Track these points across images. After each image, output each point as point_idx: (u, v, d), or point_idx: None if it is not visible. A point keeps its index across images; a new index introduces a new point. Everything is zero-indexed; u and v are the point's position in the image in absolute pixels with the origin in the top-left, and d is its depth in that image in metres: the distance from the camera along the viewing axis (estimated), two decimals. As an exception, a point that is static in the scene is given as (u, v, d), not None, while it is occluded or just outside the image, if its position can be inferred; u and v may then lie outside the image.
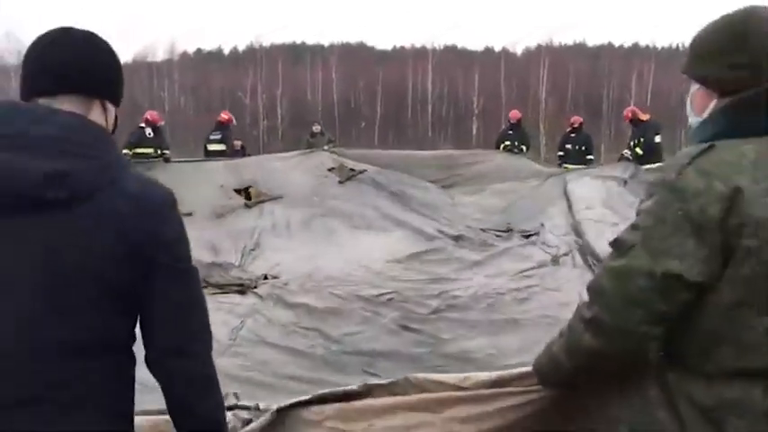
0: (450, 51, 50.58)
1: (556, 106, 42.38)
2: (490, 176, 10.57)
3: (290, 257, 6.79)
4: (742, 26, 1.24)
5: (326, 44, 50.86)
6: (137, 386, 1.31)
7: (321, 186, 9.05)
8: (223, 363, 3.59)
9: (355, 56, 48.94)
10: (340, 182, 9.23)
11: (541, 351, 1.55)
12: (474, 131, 44.24)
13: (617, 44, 52.26)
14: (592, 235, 6.61)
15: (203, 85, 46.07)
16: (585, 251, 6.44)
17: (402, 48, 51.64)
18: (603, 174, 8.99)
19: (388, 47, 56.13)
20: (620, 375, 1.41)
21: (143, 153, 9.60)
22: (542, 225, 8.02)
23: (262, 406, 1.79)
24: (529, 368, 1.65)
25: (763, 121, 1.20)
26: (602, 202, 7.83)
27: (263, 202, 8.60)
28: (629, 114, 11.39)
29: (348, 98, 45.66)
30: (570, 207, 8.12)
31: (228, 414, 1.60)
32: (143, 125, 10.43)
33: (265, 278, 5.87)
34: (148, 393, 1.42)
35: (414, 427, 1.73)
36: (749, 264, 1.16)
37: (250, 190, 9.28)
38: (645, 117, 11.14)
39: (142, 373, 1.30)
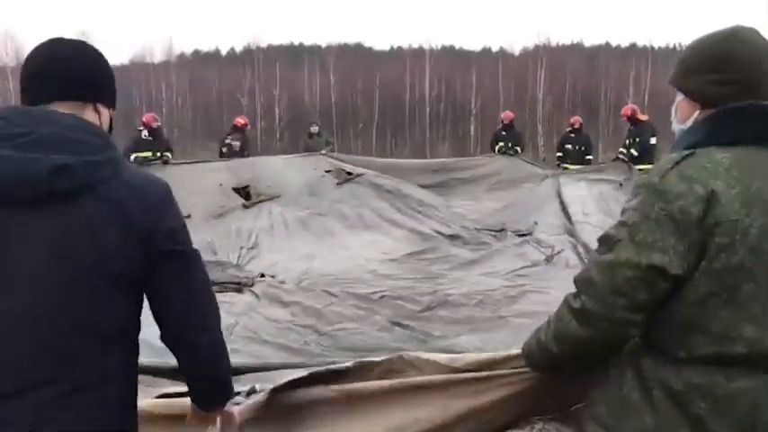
0: (448, 52, 50.71)
1: (553, 106, 42.51)
2: (485, 181, 10.65)
3: (287, 257, 6.88)
4: (724, 46, 1.35)
5: (324, 45, 51.06)
6: None
7: (318, 187, 9.14)
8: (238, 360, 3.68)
9: (353, 56, 49.03)
10: (338, 183, 9.31)
11: (529, 336, 1.66)
12: (472, 132, 44.32)
13: (614, 44, 52.53)
14: (586, 235, 6.69)
15: (201, 86, 46.11)
16: (579, 250, 6.53)
17: (399, 48, 51.83)
18: (598, 177, 9.05)
19: (386, 47, 56.37)
20: (601, 360, 1.50)
21: (143, 157, 9.67)
22: (536, 224, 8.11)
23: (258, 387, 1.86)
24: (518, 351, 1.74)
25: (737, 132, 1.32)
26: (597, 204, 7.90)
27: (261, 201, 8.68)
28: (628, 112, 11.33)
29: (346, 99, 45.72)
30: (564, 208, 8.21)
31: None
32: (140, 128, 10.55)
33: (262, 277, 5.94)
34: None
35: (410, 405, 1.81)
36: (720, 259, 1.27)
37: (248, 189, 9.36)
38: (643, 118, 11.13)
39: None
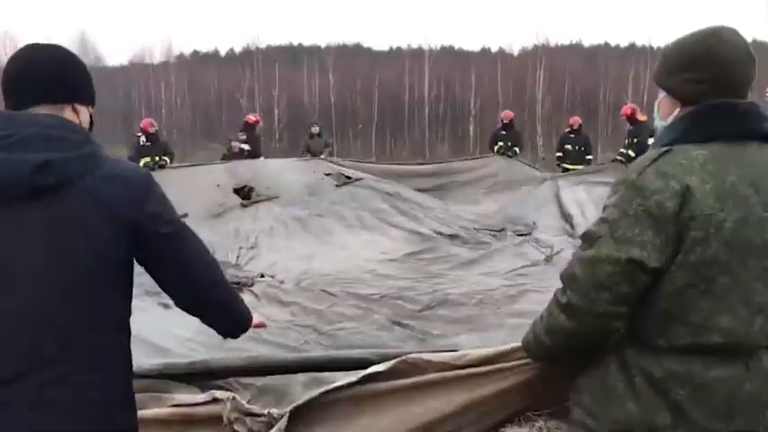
0: (447, 52, 50.75)
1: (552, 106, 42.54)
2: (483, 183, 10.65)
3: (287, 257, 6.88)
4: (703, 45, 1.40)
5: (323, 45, 51.08)
6: None
7: (317, 188, 9.16)
8: (218, 357, 3.67)
9: (352, 57, 49.05)
10: (337, 185, 9.33)
11: (528, 330, 1.72)
12: (471, 132, 44.35)
13: (613, 44, 52.56)
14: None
15: (200, 87, 46.11)
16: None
17: (399, 49, 51.84)
18: (597, 179, 9.07)
19: (385, 48, 56.42)
20: (589, 350, 1.56)
21: (143, 164, 9.68)
22: (534, 224, 8.13)
23: (275, 413, 1.87)
24: (518, 344, 1.82)
25: (713, 129, 1.37)
26: (596, 207, 7.90)
27: (259, 201, 8.69)
28: (628, 111, 11.25)
29: (345, 99, 45.73)
30: (562, 212, 8.23)
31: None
32: (138, 134, 10.57)
33: (262, 277, 5.94)
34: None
35: (417, 396, 1.87)
36: (695, 252, 1.32)
37: (246, 189, 9.37)
38: (642, 118, 11.06)
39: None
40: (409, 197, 9.30)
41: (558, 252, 6.73)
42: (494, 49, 51.38)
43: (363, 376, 1.89)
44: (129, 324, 1.48)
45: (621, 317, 1.39)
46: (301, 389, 1.95)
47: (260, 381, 2.12)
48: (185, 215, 6.39)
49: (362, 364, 2.02)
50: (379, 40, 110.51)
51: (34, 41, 1.47)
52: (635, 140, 10.61)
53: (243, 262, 6.71)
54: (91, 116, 1.52)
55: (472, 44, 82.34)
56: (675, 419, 1.38)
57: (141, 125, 10.68)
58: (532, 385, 1.83)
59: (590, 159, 12.25)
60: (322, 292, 5.45)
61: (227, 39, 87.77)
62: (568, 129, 12.74)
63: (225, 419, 1.84)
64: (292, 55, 49.63)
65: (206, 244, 1.59)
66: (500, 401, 1.88)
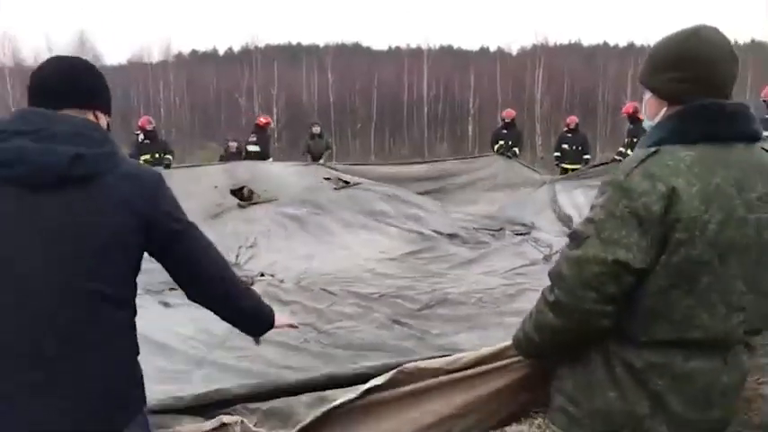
0: (446, 52, 50.71)
1: (551, 106, 42.53)
2: (482, 184, 10.65)
3: (286, 256, 6.90)
4: (686, 45, 1.42)
5: (322, 44, 51.02)
6: None
7: (316, 191, 9.21)
8: (218, 355, 3.70)
9: (351, 56, 49.00)
10: (335, 188, 9.38)
11: (518, 328, 1.75)
12: (470, 131, 44.33)
13: (612, 44, 52.53)
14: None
15: (199, 86, 46.05)
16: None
17: (398, 48, 51.80)
18: (595, 183, 9.08)
19: (384, 47, 56.33)
20: (576, 347, 1.59)
21: (143, 161, 9.71)
22: (533, 223, 8.15)
23: None
24: (510, 342, 1.85)
25: (700, 130, 1.38)
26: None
27: (256, 203, 8.73)
28: (630, 109, 11.20)
29: (344, 99, 45.67)
30: (560, 217, 8.25)
31: None
32: (137, 132, 10.59)
33: (261, 276, 5.96)
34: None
35: (418, 401, 1.91)
36: (680, 253, 1.34)
37: (244, 190, 9.40)
38: (643, 117, 11.08)
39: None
40: (409, 199, 9.35)
41: (556, 251, 6.74)
42: (492, 48, 51.41)
43: (363, 391, 1.93)
44: (134, 322, 1.56)
45: (608, 315, 1.42)
46: (305, 409, 2.00)
47: (265, 404, 2.17)
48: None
49: (362, 378, 2.10)
50: (378, 40, 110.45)
51: (60, 54, 1.65)
52: (634, 140, 10.62)
53: (242, 261, 6.72)
54: (108, 123, 1.64)
55: (471, 44, 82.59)
56: (654, 409, 1.42)
57: (139, 123, 10.72)
58: (528, 382, 1.86)
59: (587, 159, 12.24)
60: (322, 291, 5.47)
61: (225, 38, 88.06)
62: (566, 128, 12.74)
63: None
64: (291, 54, 49.57)
65: (207, 243, 1.65)
66: (498, 400, 1.91)
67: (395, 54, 50.78)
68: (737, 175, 1.37)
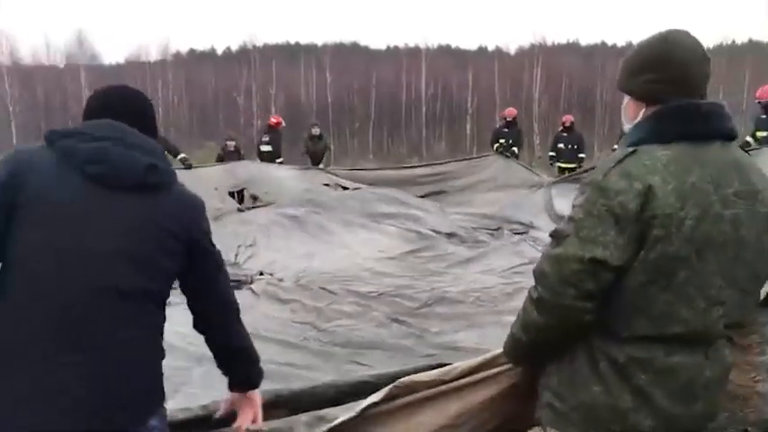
0: (444, 51, 50.72)
1: (549, 105, 42.56)
2: (481, 186, 10.67)
3: (285, 255, 6.92)
4: (659, 48, 1.49)
5: (320, 44, 50.97)
6: None
7: (315, 193, 9.27)
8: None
9: (349, 55, 48.98)
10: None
11: (508, 333, 1.76)
12: (468, 131, 44.36)
13: (610, 43, 52.51)
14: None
15: (197, 86, 46.00)
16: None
17: (396, 47, 51.78)
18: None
19: (382, 46, 56.38)
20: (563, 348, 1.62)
21: None
22: (531, 223, 8.18)
23: None
24: (501, 350, 1.86)
25: (677, 130, 1.43)
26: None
27: (256, 207, 8.76)
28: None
29: (342, 98, 45.63)
30: (555, 215, 8.29)
31: None
32: None
33: (261, 275, 5.98)
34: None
35: (411, 414, 1.94)
36: (656, 250, 1.38)
37: (244, 192, 9.42)
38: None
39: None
40: (407, 201, 9.40)
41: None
42: (491, 47, 51.40)
43: (362, 409, 1.96)
44: (162, 329, 1.67)
45: (588, 311, 1.45)
46: (305, 429, 2.03)
47: (265, 426, 2.20)
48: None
49: (361, 386, 2.17)
50: (377, 39, 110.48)
51: (121, 84, 1.79)
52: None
53: (241, 260, 6.74)
54: None
55: (469, 43, 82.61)
56: (638, 403, 1.45)
57: None
58: (521, 389, 1.87)
59: (583, 158, 12.22)
60: (321, 290, 5.50)
61: (223, 37, 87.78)
62: (561, 127, 12.75)
63: None
64: (289, 53, 49.52)
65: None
66: (491, 409, 1.93)
67: (393, 53, 50.76)
68: (714, 173, 1.40)
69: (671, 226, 1.36)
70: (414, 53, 47.39)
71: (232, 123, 38.84)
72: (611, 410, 1.47)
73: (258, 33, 63.60)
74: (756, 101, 9.16)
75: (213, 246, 1.73)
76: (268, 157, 11.64)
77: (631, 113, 1.56)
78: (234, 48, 51.84)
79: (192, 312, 1.78)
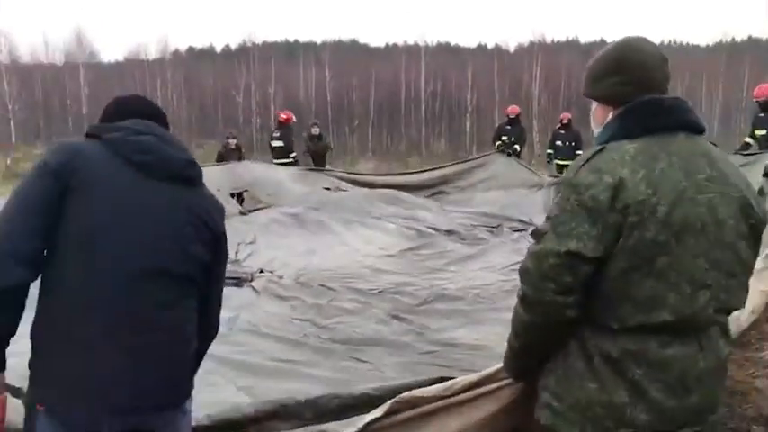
0: (443, 49, 50.73)
1: (548, 103, 42.56)
2: (482, 187, 10.64)
3: (285, 253, 6.92)
4: (618, 54, 1.60)
5: (319, 41, 50.97)
6: None
7: (317, 193, 9.29)
8: (219, 349, 3.72)
9: (348, 53, 48.96)
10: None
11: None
12: (467, 128, 44.35)
13: (609, 40, 52.03)
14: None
15: (196, 84, 45.95)
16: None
17: (395, 45, 51.83)
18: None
19: (381, 44, 56.35)
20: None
21: None
22: (531, 220, 8.19)
23: None
24: (501, 365, 1.91)
25: (642, 124, 1.51)
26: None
27: (257, 209, 8.78)
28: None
29: (341, 95, 45.60)
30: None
31: None
32: None
33: (261, 272, 5.99)
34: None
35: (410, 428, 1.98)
36: (633, 236, 1.42)
37: (245, 194, 9.44)
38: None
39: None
40: (407, 199, 9.40)
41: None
42: (490, 45, 51.46)
43: (364, 424, 1.99)
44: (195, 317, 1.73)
45: (568, 305, 1.48)
46: None
47: None
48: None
49: (364, 399, 2.24)
50: (376, 37, 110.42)
51: (140, 94, 1.98)
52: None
53: (242, 258, 6.74)
54: None
55: (468, 40, 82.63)
56: (633, 397, 1.46)
57: None
58: (522, 404, 1.87)
59: (580, 155, 12.15)
60: (321, 287, 5.50)
61: (222, 35, 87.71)
62: (559, 125, 12.75)
63: None
64: (288, 51, 49.50)
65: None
66: (492, 424, 1.95)
67: (392, 51, 50.76)
68: (681, 161, 1.46)
69: (644, 212, 1.40)
70: (413, 51, 47.37)
71: (231, 121, 38.83)
72: (606, 406, 1.48)
73: (257, 31, 63.65)
74: (754, 100, 9.18)
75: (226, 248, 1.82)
76: (280, 153, 11.74)
77: (599, 118, 1.65)
78: (233, 46, 52.00)
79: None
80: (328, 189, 9.79)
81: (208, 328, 1.81)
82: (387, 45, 53.47)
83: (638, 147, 1.47)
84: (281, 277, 5.85)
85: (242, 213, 8.63)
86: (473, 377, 2.01)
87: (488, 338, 4.21)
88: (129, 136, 1.63)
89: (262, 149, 36.80)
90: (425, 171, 11.85)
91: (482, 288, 5.50)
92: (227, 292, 5.00)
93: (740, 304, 1.55)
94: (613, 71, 1.59)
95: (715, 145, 1.57)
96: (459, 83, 45.81)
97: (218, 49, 53.72)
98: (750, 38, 47.29)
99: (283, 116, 12.56)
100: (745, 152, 8.07)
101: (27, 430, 1.54)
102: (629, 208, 1.40)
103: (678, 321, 1.45)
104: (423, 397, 2.00)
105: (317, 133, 12.77)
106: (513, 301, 5.26)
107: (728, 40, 47.03)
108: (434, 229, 8.07)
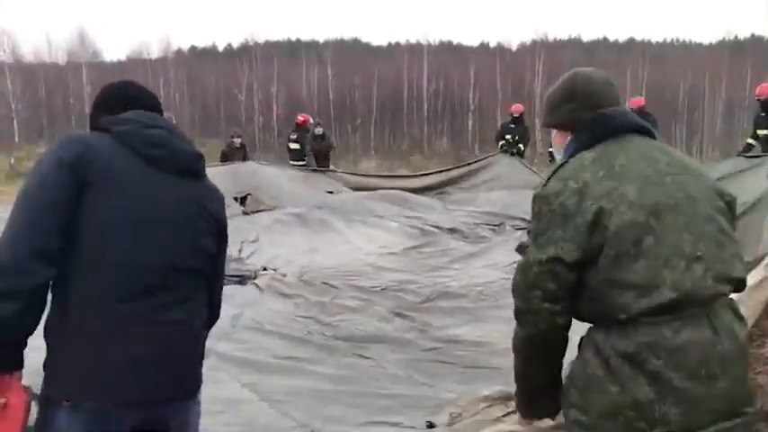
0: (446, 47, 50.69)
1: (551, 101, 42.44)
2: (485, 187, 10.64)
3: (289, 251, 6.95)
4: (570, 83, 1.75)
5: (321, 40, 50.98)
6: None
7: (320, 196, 9.33)
8: (224, 347, 3.75)
9: (350, 52, 48.95)
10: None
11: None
12: (470, 127, 44.33)
13: (612, 39, 52.50)
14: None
15: (198, 83, 45.99)
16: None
17: (397, 44, 51.77)
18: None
19: (384, 43, 56.35)
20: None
21: None
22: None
23: None
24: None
25: (595, 134, 1.64)
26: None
27: (260, 211, 8.81)
28: (642, 102, 11.02)
29: (344, 94, 45.59)
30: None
31: None
32: None
33: (264, 270, 6.01)
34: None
35: None
36: (613, 222, 1.47)
37: (248, 197, 9.47)
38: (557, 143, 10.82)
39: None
40: (409, 198, 9.41)
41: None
42: (492, 44, 51.43)
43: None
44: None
45: (557, 313, 1.51)
46: None
47: None
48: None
49: None
50: (378, 35, 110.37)
51: (130, 79, 1.94)
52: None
53: (245, 256, 6.76)
54: None
55: (471, 39, 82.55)
56: (659, 392, 1.42)
57: None
58: None
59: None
60: (324, 285, 5.53)
61: (225, 34, 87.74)
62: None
63: None
64: (290, 50, 49.51)
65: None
66: None
67: (394, 50, 50.75)
68: (640, 155, 1.57)
69: (615, 199, 1.48)
70: (415, 49, 47.32)
71: (233, 120, 38.83)
72: (634, 407, 1.43)
73: (259, 30, 63.63)
74: (756, 98, 9.14)
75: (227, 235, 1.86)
76: (296, 155, 12.05)
77: (559, 143, 1.78)
78: (235, 45, 51.99)
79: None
80: (331, 193, 9.84)
81: (212, 315, 1.85)
82: (389, 44, 53.57)
83: (596, 152, 1.59)
84: (284, 275, 5.88)
85: (245, 213, 8.66)
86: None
87: (491, 335, 4.23)
88: (140, 129, 1.64)
89: (264, 148, 36.91)
90: (429, 174, 11.84)
91: (485, 286, 5.52)
92: (231, 289, 5.12)
93: (738, 272, 1.55)
94: (567, 98, 1.74)
95: (749, 156, 1.62)
96: (462, 81, 45.77)
97: (221, 48, 53.83)
98: (753, 36, 47.23)
99: (300, 118, 12.79)
100: (748, 154, 7.81)
101: (41, 427, 1.53)
102: (600, 200, 1.48)
103: (682, 297, 1.44)
104: None
105: (321, 133, 12.77)
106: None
107: (731, 38, 46.95)
108: (437, 227, 8.08)
